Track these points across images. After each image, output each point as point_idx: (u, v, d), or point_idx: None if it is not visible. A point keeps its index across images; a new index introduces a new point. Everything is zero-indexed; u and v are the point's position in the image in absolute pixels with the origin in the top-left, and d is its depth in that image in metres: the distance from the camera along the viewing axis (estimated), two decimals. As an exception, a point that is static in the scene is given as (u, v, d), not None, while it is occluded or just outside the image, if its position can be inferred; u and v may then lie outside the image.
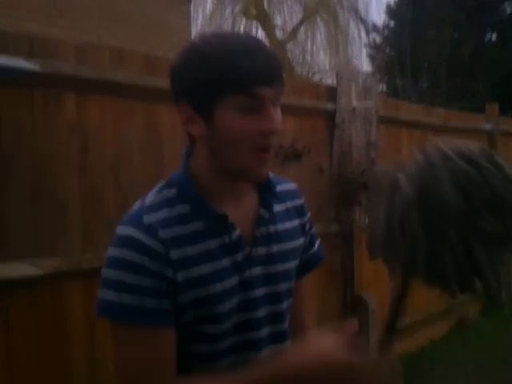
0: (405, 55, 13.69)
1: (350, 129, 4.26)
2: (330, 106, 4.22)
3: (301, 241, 1.39)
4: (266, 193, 1.30)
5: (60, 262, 2.49)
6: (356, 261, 4.29)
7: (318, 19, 13.85)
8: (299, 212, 1.41)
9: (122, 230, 1.15)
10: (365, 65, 16.67)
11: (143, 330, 1.12)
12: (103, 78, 2.68)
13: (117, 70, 2.74)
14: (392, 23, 17.81)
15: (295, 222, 1.38)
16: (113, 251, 1.14)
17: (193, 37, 10.30)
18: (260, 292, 1.26)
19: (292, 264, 1.34)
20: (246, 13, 13.69)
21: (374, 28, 17.08)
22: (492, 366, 4.85)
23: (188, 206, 1.19)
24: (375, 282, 4.38)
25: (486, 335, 5.61)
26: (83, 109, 2.63)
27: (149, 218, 1.15)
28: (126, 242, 1.12)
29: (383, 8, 16.82)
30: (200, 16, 13.59)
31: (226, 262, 1.20)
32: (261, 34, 14.02)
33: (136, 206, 1.21)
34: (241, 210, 1.26)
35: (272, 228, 1.30)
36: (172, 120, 2.93)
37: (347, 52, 13.54)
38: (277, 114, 1.15)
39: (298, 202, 1.41)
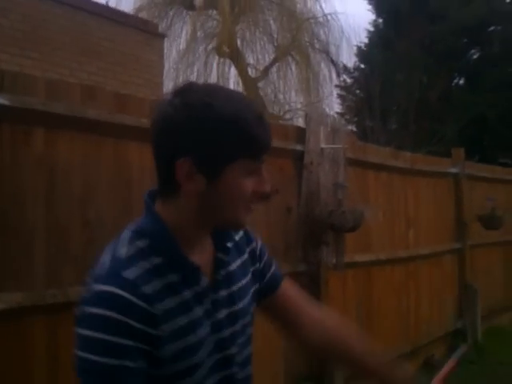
0: (374, 97, 13.94)
1: (318, 170, 4.31)
2: (298, 146, 4.26)
3: (250, 274, 1.40)
4: (221, 235, 1.32)
5: (23, 296, 2.45)
6: (323, 300, 4.29)
7: (290, 59, 14.08)
8: (245, 243, 1.42)
9: (101, 287, 1.12)
10: (335, 106, 16.94)
11: None
12: (73, 114, 2.68)
13: (87, 106, 2.75)
14: (362, 65, 18.18)
15: (244, 256, 1.40)
16: (91, 309, 1.10)
17: (165, 74, 10.35)
18: (228, 332, 1.28)
19: (248, 300, 1.36)
20: (219, 50, 13.85)
21: (345, 70, 17.40)
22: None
23: (162, 258, 1.18)
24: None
25: (452, 375, 5.62)
26: (52, 144, 2.62)
27: (128, 274, 1.13)
28: (107, 300, 1.10)
29: (354, 50, 17.09)
30: (173, 52, 13.72)
31: (199, 310, 1.22)
32: (233, 71, 14.19)
33: (107, 259, 1.17)
34: (204, 255, 1.27)
35: (230, 268, 1.33)
36: (141, 158, 2.93)
37: (318, 93, 13.76)
38: (267, 176, 1.22)
39: (241, 233, 1.42)
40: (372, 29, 18.50)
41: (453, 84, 18.79)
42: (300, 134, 4.31)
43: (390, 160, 5.49)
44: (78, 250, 2.66)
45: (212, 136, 1.13)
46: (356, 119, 16.89)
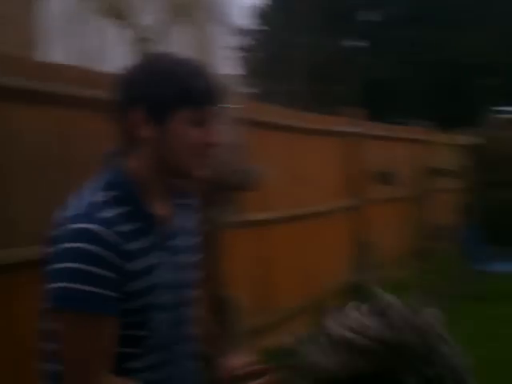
0: (275, 59, 14.01)
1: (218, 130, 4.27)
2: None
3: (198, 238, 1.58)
4: (178, 192, 1.49)
5: None
6: (219, 260, 4.31)
7: (183, 21, 13.82)
8: (196, 210, 1.59)
9: (79, 225, 1.27)
10: (234, 68, 16.86)
11: (93, 317, 1.27)
12: None
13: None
14: (263, 27, 18.16)
15: (195, 219, 1.57)
16: (68, 244, 1.26)
17: (42, 33, 9.94)
18: (183, 276, 1.45)
19: (196, 257, 1.53)
20: (103, 10, 13.35)
21: (243, 32, 17.33)
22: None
23: (128, 207, 1.34)
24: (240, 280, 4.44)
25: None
26: None
27: (105, 214, 1.29)
28: (83, 235, 1.25)
29: (252, 12, 17.03)
30: (54, 11, 13.10)
31: (163, 254, 1.39)
32: (119, 32, 13.76)
33: (83, 203, 1.31)
34: (164, 206, 1.44)
35: (187, 223, 1.50)
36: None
37: (212, 54, 13.62)
38: (217, 128, 1.41)
39: (195, 201, 1.59)
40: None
41: (353, 46, 19.17)
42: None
43: (290, 120, 5.55)
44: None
45: (155, 87, 1.32)
46: (258, 81, 16.93)
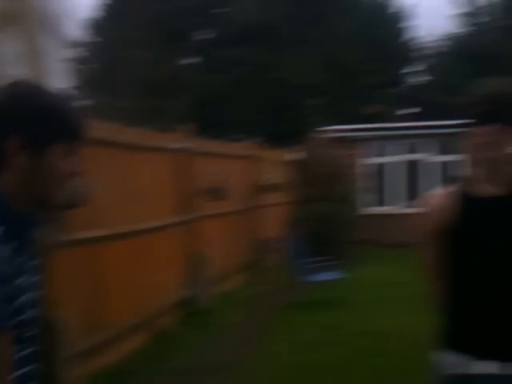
0: (107, 72, 13.82)
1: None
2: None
3: None
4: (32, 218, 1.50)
5: None
6: (48, 279, 4.20)
7: (11, 31, 13.23)
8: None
9: None
10: (62, 80, 16.38)
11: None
12: None
13: None
14: (97, 39, 17.85)
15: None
16: None
17: None
18: (37, 295, 1.48)
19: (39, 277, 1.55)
20: None
21: (76, 43, 16.92)
22: (193, 371, 5.08)
23: (4, 227, 1.35)
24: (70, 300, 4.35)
25: (184, 342, 5.87)
26: None
27: None
28: None
29: (86, 23, 16.67)
30: None
31: (30, 274, 1.42)
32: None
33: None
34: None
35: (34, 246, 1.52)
36: None
37: (41, 65, 13.17)
38: (79, 157, 1.46)
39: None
40: (109, 2, 18.27)
41: (185, 62, 19.42)
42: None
43: (118, 136, 5.49)
44: None
45: (35, 121, 1.39)
46: (91, 94, 16.59)
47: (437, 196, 2.01)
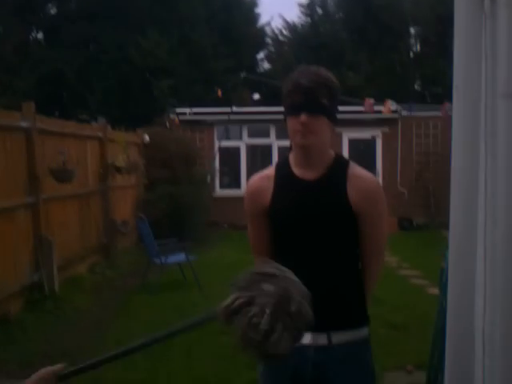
0: None
1: None
2: None
3: None
4: None
5: None
6: None
7: None
8: None
9: None
10: None
11: None
12: None
13: None
14: None
15: None
16: None
17: None
18: None
19: None
20: None
21: None
22: (34, 358, 4.93)
23: None
24: None
25: (29, 329, 5.68)
26: None
27: None
28: None
29: None
30: None
31: None
32: None
33: None
34: None
35: None
36: None
37: None
38: None
39: None
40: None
41: (30, 37, 18.46)
42: None
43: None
44: None
45: None
46: None
47: (257, 179, 2.15)
